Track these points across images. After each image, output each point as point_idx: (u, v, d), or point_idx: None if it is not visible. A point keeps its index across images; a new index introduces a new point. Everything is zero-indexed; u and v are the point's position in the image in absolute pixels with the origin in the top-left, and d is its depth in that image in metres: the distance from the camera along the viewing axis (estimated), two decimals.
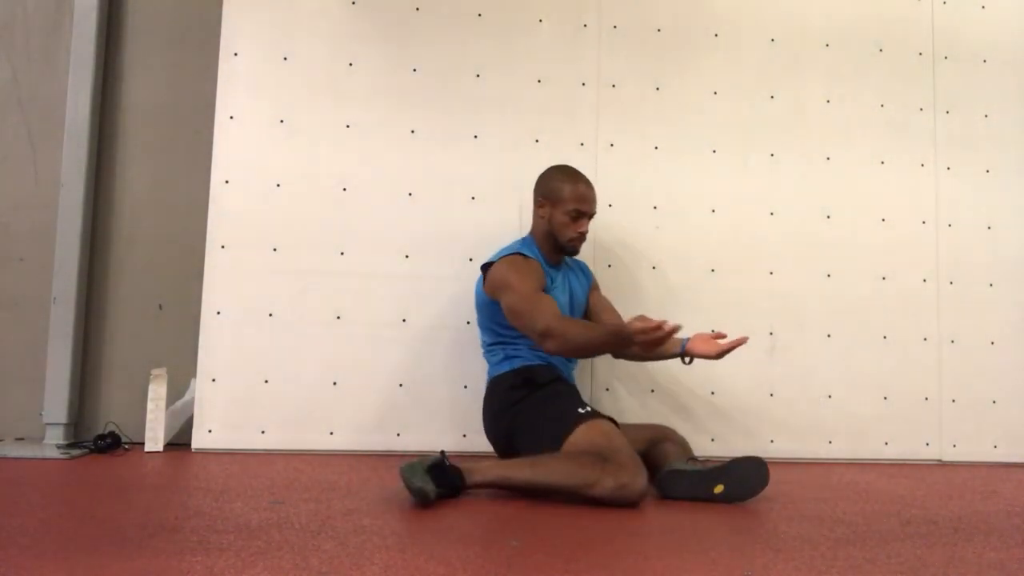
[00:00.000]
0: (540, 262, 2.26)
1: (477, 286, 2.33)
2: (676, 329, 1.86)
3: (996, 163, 2.94)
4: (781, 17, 2.89)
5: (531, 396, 2.13)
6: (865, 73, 2.91)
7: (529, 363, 2.20)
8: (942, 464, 2.79)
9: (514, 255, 2.23)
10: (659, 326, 1.84)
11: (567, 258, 2.39)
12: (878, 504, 1.99)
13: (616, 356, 2.42)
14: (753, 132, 2.83)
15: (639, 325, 1.88)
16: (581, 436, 1.94)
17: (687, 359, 2.12)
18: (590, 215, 2.29)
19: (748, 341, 2.06)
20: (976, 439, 2.83)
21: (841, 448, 2.76)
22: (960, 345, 2.86)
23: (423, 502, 1.76)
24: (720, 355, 2.05)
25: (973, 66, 2.97)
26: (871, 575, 1.33)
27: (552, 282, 2.28)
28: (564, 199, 2.25)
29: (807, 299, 2.80)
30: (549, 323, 2.01)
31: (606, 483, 1.82)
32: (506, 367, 2.23)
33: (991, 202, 2.93)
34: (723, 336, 2.05)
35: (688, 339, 2.12)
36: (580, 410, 2.02)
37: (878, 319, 2.83)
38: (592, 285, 2.48)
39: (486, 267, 2.28)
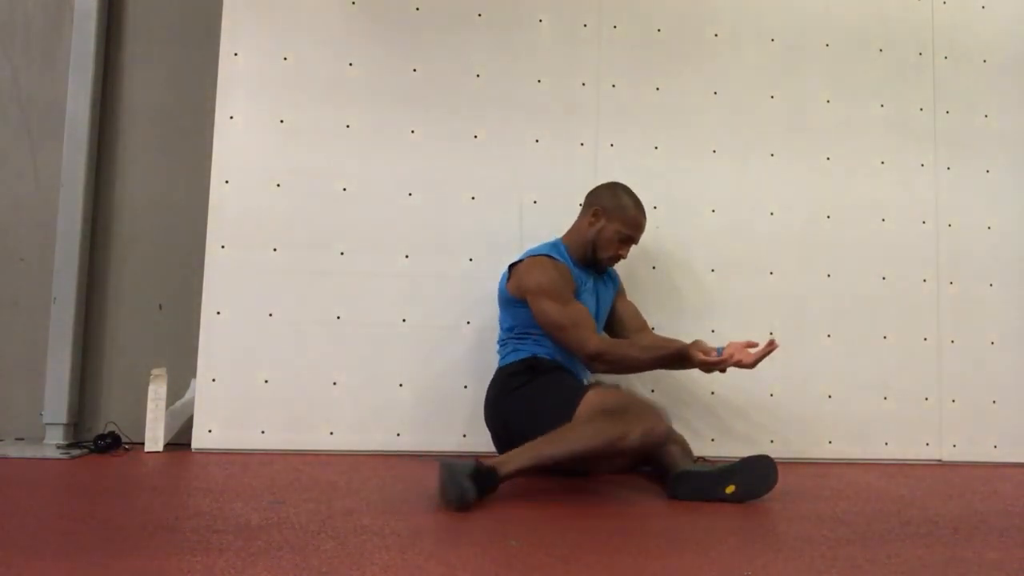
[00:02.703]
0: (569, 266, 2.28)
1: (501, 283, 2.33)
2: (739, 362, 1.99)
3: (996, 163, 2.94)
4: (781, 17, 2.88)
5: (533, 381, 2.15)
6: (865, 73, 2.91)
7: (534, 353, 2.22)
8: (942, 464, 2.78)
9: (543, 256, 2.25)
10: (725, 360, 1.98)
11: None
12: (878, 504, 1.99)
13: None
14: (753, 132, 2.83)
15: (705, 359, 1.99)
16: (592, 399, 1.99)
17: (723, 369, 2.07)
18: (635, 243, 2.37)
19: (776, 345, 2.03)
20: (976, 439, 2.83)
21: (841, 448, 2.76)
22: (960, 345, 2.86)
23: (459, 504, 1.70)
24: (754, 364, 2.02)
25: (973, 66, 2.96)
26: (871, 575, 1.33)
27: (583, 285, 2.30)
28: (624, 220, 2.30)
29: (807, 299, 2.80)
30: (600, 347, 2.09)
31: (634, 432, 1.85)
32: (512, 358, 2.26)
33: (991, 202, 2.92)
34: (755, 344, 2.03)
35: (723, 348, 2.06)
36: (585, 382, 2.10)
37: (878, 319, 2.82)
38: (619, 290, 2.50)
39: (513, 265, 2.30)
